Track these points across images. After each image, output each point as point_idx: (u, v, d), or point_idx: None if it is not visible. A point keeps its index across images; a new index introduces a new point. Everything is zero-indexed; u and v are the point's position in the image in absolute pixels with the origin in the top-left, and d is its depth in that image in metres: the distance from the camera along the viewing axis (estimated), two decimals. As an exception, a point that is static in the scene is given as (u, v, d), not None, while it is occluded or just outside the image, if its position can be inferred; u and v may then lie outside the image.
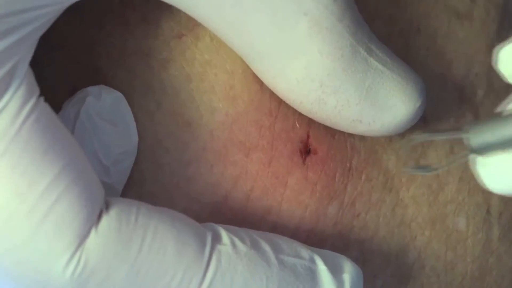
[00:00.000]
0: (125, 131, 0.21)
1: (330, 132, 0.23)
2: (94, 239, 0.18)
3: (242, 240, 0.20)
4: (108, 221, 0.18)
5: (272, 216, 0.23)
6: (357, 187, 0.23)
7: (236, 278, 0.19)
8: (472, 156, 0.19)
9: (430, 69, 0.21)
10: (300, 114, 0.22)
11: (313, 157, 0.23)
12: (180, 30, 0.22)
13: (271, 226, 0.23)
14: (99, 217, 0.18)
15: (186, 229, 0.19)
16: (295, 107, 0.21)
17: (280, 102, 0.22)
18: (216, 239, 0.19)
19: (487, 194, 0.23)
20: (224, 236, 0.20)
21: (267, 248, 0.20)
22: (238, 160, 0.22)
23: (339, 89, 0.20)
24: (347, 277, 0.20)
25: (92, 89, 0.21)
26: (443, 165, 0.22)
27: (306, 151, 0.23)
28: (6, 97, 0.17)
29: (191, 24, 0.22)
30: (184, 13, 0.20)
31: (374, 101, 0.20)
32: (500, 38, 0.24)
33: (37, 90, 0.18)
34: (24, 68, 0.18)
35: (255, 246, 0.20)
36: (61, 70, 0.22)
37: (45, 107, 0.18)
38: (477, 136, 0.18)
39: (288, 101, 0.21)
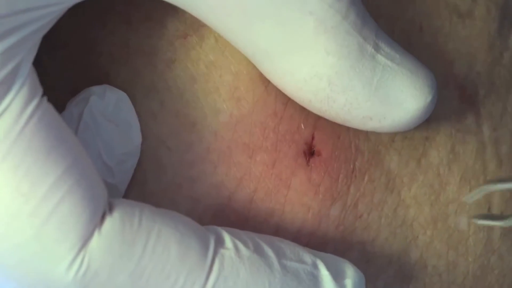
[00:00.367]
0: (128, 131, 0.21)
1: (335, 133, 0.23)
2: (97, 241, 0.18)
3: (245, 244, 0.20)
4: (111, 222, 0.18)
5: (275, 217, 0.23)
6: (360, 188, 0.23)
7: (238, 283, 0.19)
8: None
9: (432, 68, 0.21)
10: (306, 116, 0.22)
11: (317, 159, 0.23)
12: (185, 30, 0.22)
13: (274, 228, 0.23)
14: (103, 218, 0.18)
15: (189, 232, 0.19)
16: (304, 105, 0.21)
17: (285, 104, 0.22)
18: (219, 243, 0.19)
19: (488, 193, 0.23)
20: (227, 240, 0.20)
21: (270, 252, 0.20)
22: (242, 161, 0.22)
23: (348, 87, 0.20)
24: (349, 283, 0.20)
25: (96, 89, 0.20)
26: None
27: (310, 152, 0.23)
28: (9, 97, 0.17)
29: (196, 25, 0.22)
30: (189, 13, 0.20)
31: (384, 98, 0.20)
32: (501, 36, 0.24)
33: (40, 90, 0.18)
34: (27, 67, 0.18)
35: (258, 250, 0.20)
36: (63, 69, 0.22)
37: (48, 107, 0.18)
38: None
39: (297, 100, 0.21)
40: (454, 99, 0.23)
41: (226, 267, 0.19)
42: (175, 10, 0.22)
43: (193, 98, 0.22)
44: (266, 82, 0.22)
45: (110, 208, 0.19)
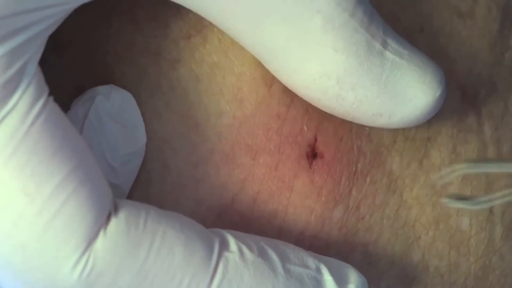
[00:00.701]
0: (133, 132, 0.21)
1: (338, 135, 0.23)
2: (102, 241, 0.18)
3: (250, 248, 0.20)
4: (117, 223, 0.18)
5: (278, 219, 0.23)
6: (362, 190, 0.23)
7: (242, 286, 0.19)
8: None
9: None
10: (309, 118, 0.22)
11: (320, 161, 0.23)
12: (189, 30, 0.22)
13: (277, 230, 0.23)
14: (108, 219, 0.18)
15: (194, 235, 0.19)
16: (314, 103, 0.21)
17: (288, 106, 0.22)
18: (224, 246, 0.19)
19: (490, 193, 0.24)
20: (232, 243, 0.20)
21: (274, 256, 0.20)
22: (245, 163, 0.22)
23: (357, 85, 0.20)
24: None
25: (102, 89, 0.20)
26: (486, 200, 0.21)
27: (313, 154, 0.23)
28: (16, 96, 0.17)
29: (200, 25, 0.22)
30: (193, 13, 0.21)
31: (393, 94, 0.20)
32: (502, 37, 0.24)
33: (46, 89, 0.18)
34: (33, 67, 0.18)
35: (262, 254, 0.20)
36: (69, 68, 0.22)
37: (54, 106, 0.18)
38: None
39: (306, 99, 0.21)
40: (456, 99, 0.24)
41: (230, 271, 0.19)
42: (178, 10, 0.22)
43: (197, 99, 0.22)
44: (269, 84, 0.22)
45: (115, 209, 0.19)
